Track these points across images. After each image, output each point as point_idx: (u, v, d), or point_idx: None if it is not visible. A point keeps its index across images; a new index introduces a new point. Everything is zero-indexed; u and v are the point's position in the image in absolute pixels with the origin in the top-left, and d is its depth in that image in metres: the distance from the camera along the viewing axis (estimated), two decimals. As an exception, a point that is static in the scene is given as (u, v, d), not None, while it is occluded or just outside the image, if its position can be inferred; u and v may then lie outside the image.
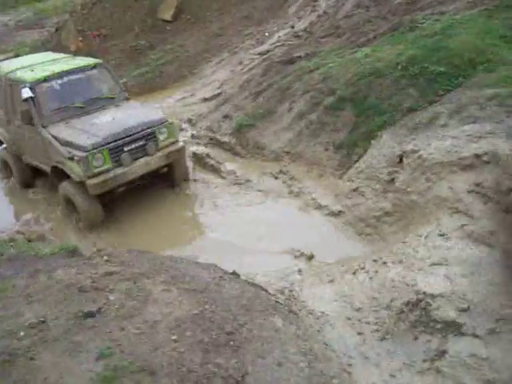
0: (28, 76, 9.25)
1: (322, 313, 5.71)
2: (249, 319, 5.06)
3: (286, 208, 8.59)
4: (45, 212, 9.45)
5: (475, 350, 4.81)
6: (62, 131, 8.68)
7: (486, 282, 5.17)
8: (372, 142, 8.54)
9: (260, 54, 13.59)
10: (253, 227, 8.10)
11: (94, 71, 9.69)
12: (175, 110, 12.76)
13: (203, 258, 6.99)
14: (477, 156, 6.46)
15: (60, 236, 8.60)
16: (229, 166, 9.93)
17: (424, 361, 4.93)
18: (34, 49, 16.83)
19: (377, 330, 5.33)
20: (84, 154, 8.06)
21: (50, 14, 24.75)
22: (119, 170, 8.38)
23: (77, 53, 15.17)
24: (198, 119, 11.65)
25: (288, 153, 9.63)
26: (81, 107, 9.16)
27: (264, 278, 6.64)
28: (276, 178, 9.33)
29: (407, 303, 5.35)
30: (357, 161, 8.62)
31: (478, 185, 6.22)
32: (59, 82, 9.19)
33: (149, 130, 8.72)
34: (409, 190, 7.20)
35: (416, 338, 5.10)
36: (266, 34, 14.59)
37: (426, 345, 5.01)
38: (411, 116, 8.34)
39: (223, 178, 9.63)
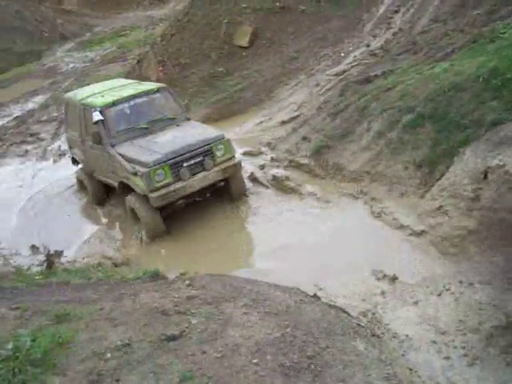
0: (98, 101, 10.18)
1: (406, 336, 5.57)
2: (330, 343, 5.01)
3: (367, 229, 8.48)
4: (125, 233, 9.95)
5: None
6: (128, 150, 9.47)
7: None
8: (454, 158, 8.31)
9: (336, 74, 13.62)
10: (332, 248, 8.05)
11: (158, 94, 10.55)
12: (254, 134, 12.95)
13: (280, 279, 6.92)
14: None
15: (143, 259, 9.00)
16: (309, 187, 9.94)
17: None
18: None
19: (465, 355, 5.13)
20: (146, 170, 8.79)
21: (132, 47, 25.76)
22: (179, 184, 9.03)
23: (158, 81, 15.86)
24: (276, 142, 11.76)
25: (368, 173, 9.53)
26: (145, 128, 9.95)
27: (345, 300, 6.58)
28: (356, 198, 9.26)
29: (497, 327, 5.13)
30: (439, 179, 8.41)
31: None
32: (126, 105, 10.11)
33: (206, 147, 9.34)
34: (495, 207, 6.96)
35: (508, 365, 4.87)
36: (342, 54, 14.60)
37: None
38: (495, 130, 8.04)
39: (302, 199, 9.65)
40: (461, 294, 5.83)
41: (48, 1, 42.39)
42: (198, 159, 9.25)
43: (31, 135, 17.20)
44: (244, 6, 17.13)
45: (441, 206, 7.91)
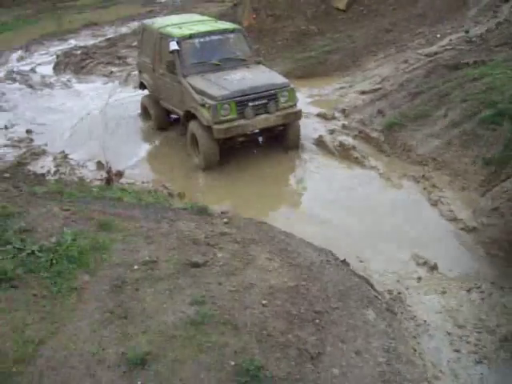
0: (176, 32, 10.79)
1: (424, 321, 5.71)
2: (341, 305, 5.26)
3: (421, 213, 8.48)
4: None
5: None
6: (198, 82, 10.09)
7: None
8: (525, 162, 8.19)
9: (427, 55, 13.29)
10: (381, 224, 8.14)
11: (232, 35, 11.08)
12: (331, 97, 12.96)
13: (320, 240, 7.05)
14: None
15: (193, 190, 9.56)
16: (372, 161, 9.98)
17: None
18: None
19: (475, 352, 5.24)
20: (214, 103, 9.47)
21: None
22: (242, 121, 9.71)
23: (248, 29, 15.95)
24: (351, 111, 11.77)
25: (434, 159, 9.46)
26: (217, 64, 10.52)
27: (379, 277, 6.73)
28: (417, 181, 9.23)
29: None
30: (504, 180, 8.30)
31: None
32: (201, 40, 10.67)
33: (272, 91, 9.94)
34: (551, 219, 6.87)
35: None
36: (438, 35, 14.21)
37: None
38: None
39: (363, 170, 9.73)
40: (489, 295, 5.89)
41: None
42: (263, 101, 9.84)
43: (119, 58, 17.85)
44: (349, -32, 16.83)
45: (498, 208, 7.84)
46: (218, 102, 9.46)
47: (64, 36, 22.40)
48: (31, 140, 12.14)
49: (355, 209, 8.64)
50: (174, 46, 10.28)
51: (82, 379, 4.12)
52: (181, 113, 10.66)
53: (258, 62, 11.11)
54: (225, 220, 6.56)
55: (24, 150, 11.52)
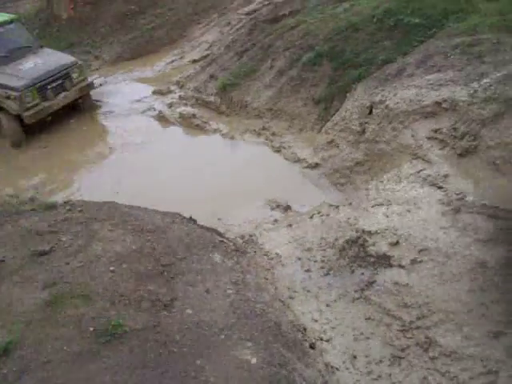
0: None
1: (277, 254, 6.11)
2: (187, 255, 5.58)
3: (267, 162, 8.87)
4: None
5: (399, 278, 5.23)
6: None
7: (418, 218, 5.52)
8: (347, 95, 8.77)
9: (247, 13, 13.70)
10: (232, 180, 8.43)
11: (12, 25, 11.52)
12: (165, 72, 13.00)
13: (173, 208, 7.16)
14: (437, 103, 6.70)
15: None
16: (214, 124, 10.21)
17: (355, 291, 5.32)
18: (28, 19, 17.04)
19: (322, 267, 5.71)
20: (18, 94, 10.25)
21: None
22: (46, 104, 10.70)
23: (69, 20, 15.51)
24: (185, 81, 11.87)
25: (270, 109, 9.87)
26: (5, 56, 10.97)
27: (238, 229, 7.01)
28: (259, 134, 9.59)
29: (348, 241, 5.72)
30: (333, 114, 8.87)
31: (436, 131, 6.48)
32: None
33: (65, 71, 11.07)
34: (377, 139, 7.48)
35: (352, 272, 5.50)
36: (254, -8, 14.64)
37: (360, 277, 5.41)
38: (384, 68, 8.53)
39: (207, 135, 9.95)
40: (327, 216, 6.37)
41: None
42: (59, 82, 10.95)
43: None
44: None
45: (333, 140, 8.41)
46: (21, 91, 10.28)
47: None
48: None
49: (206, 171, 8.84)
50: None
51: None
52: None
53: (41, 46, 11.84)
54: (67, 207, 6.54)
55: None
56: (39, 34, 14.82)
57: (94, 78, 12.33)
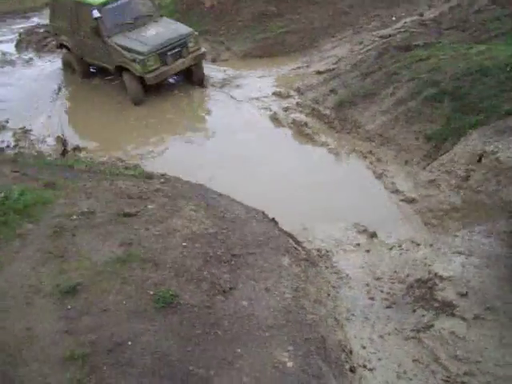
0: (93, 0, 12.45)
1: (347, 275, 6.22)
2: (258, 251, 5.90)
3: (365, 186, 8.94)
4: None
5: (457, 329, 5.20)
6: (123, 41, 12.15)
7: (493, 275, 5.45)
8: (461, 138, 8.66)
9: (382, 36, 13.70)
10: (328, 195, 8.62)
11: None
12: (288, 77, 13.27)
13: (263, 206, 7.47)
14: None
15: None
16: (323, 137, 10.38)
17: (411, 330, 5.34)
18: (173, 1, 18.01)
19: (386, 299, 5.78)
20: (142, 57, 11.72)
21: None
22: (165, 68, 12.15)
23: (210, 9, 16.17)
24: (306, 89, 12.12)
25: (381, 135, 9.90)
26: (131, 23, 12.60)
27: (320, 243, 7.17)
28: (364, 156, 9.67)
29: (418, 280, 5.75)
30: (442, 154, 8.79)
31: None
32: (114, 5, 12.56)
33: (182, 40, 12.38)
34: (479, 189, 7.37)
35: (414, 311, 5.53)
36: (393, 18, 14.64)
37: (419, 318, 5.44)
38: (506, 120, 8.35)
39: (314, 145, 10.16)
40: (406, 251, 6.40)
41: None
42: (178, 49, 12.27)
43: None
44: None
45: (435, 180, 8.34)
46: (145, 56, 11.71)
47: (27, 14, 22.22)
48: (-9, 116, 12.21)
49: (303, 180, 9.09)
50: (96, 14, 12.09)
51: (20, 306, 4.81)
52: (111, 67, 12.71)
53: (161, 15, 13.40)
54: (162, 180, 7.12)
55: (-17, 125, 11.65)
56: (179, 17, 15.59)
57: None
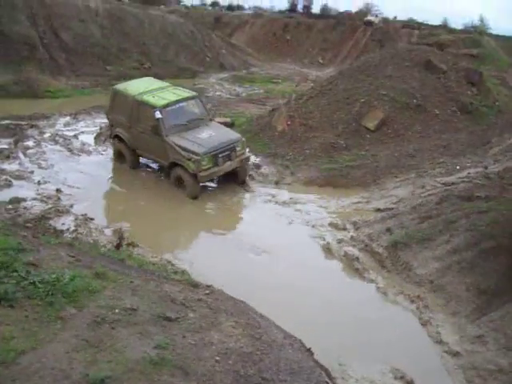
0: (155, 101, 13.96)
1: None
2: (289, 379, 5.77)
3: (410, 332, 8.75)
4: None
5: None
6: (180, 140, 13.42)
7: None
8: (517, 299, 8.45)
9: (444, 183, 13.85)
10: (371, 334, 8.48)
11: (193, 100, 14.83)
12: (347, 210, 13.45)
13: (304, 338, 7.31)
14: None
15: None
16: (373, 275, 10.32)
17: None
18: (250, 120, 19.05)
19: None
20: (198, 158, 12.97)
21: (276, 95, 27.26)
22: (216, 168, 13.42)
23: (281, 134, 16.90)
24: (362, 224, 12.21)
25: (431, 282, 9.76)
26: (185, 124, 13.97)
27: (354, 382, 6.95)
28: (412, 301, 9.49)
29: None
30: (494, 311, 8.55)
31: None
32: (174, 107, 14.04)
33: (232, 144, 13.76)
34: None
35: None
36: (458, 167, 14.84)
37: None
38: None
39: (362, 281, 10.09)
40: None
41: (220, 31, 45.89)
42: (227, 152, 13.59)
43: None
44: (383, 93, 17.92)
45: (483, 336, 8.07)
46: (201, 156, 12.92)
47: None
48: (59, 198, 12.92)
49: (348, 316, 8.99)
50: (158, 115, 13.47)
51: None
52: (165, 163, 13.92)
53: (211, 120, 14.87)
54: (207, 291, 7.22)
55: (50, 206, 12.32)
56: (250, 137, 16.73)
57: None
